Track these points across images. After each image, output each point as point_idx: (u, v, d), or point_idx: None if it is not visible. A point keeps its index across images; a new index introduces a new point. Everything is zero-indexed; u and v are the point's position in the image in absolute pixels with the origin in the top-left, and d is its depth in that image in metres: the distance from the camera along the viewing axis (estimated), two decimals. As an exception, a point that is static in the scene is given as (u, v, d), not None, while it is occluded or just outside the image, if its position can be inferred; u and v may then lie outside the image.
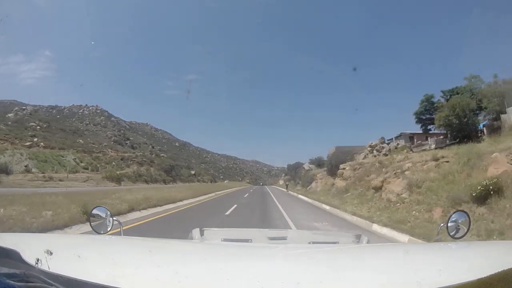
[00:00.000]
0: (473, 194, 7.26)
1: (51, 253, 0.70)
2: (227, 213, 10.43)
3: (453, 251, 1.15)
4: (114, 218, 1.48)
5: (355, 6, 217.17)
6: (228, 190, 35.31)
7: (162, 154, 69.80)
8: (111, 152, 52.36)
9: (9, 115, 68.30)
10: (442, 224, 1.42)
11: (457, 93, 18.98)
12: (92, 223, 1.45)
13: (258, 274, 0.72)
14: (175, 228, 7.29)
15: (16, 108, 76.23)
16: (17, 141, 44.39)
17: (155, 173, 44.61)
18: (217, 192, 26.53)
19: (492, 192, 6.92)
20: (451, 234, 1.37)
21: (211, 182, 67.78)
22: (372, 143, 23.34)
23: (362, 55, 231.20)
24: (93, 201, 10.05)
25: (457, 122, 15.95)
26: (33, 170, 31.02)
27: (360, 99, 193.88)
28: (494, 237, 5.76)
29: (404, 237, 6.17)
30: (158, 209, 11.26)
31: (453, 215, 1.41)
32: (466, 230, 1.37)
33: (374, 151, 22.12)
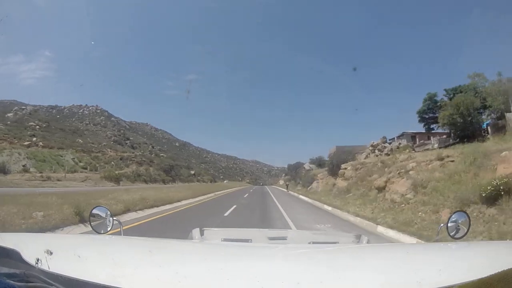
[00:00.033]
0: (483, 195, 6.96)
1: (51, 253, 0.70)
2: (226, 214, 10.13)
3: (453, 251, 1.15)
4: (114, 218, 1.47)
5: (355, 6, 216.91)
6: (228, 190, 35.01)
7: (162, 154, 69.53)
8: (110, 152, 52.07)
9: (9, 114, 68.16)
10: (442, 224, 1.42)
11: (461, 92, 18.70)
12: (92, 223, 1.44)
13: (258, 274, 0.71)
14: (171, 229, 6.99)
15: (16, 107, 76.12)
16: (16, 141, 44.22)
17: (154, 173, 44.30)
18: (217, 192, 26.22)
19: (502, 193, 6.62)
20: (451, 234, 1.37)
21: (211, 182, 67.48)
22: (374, 142, 23.01)
23: (362, 55, 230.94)
24: (87, 201, 9.78)
25: (462, 120, 15.65)
26: (31, 169, 30.76)
27: (360, 99, 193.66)
28: (507, 239, 5.45)
29: (412, 240, 5.85)
30: (155, 210, 10.96)
31: (453, 215, 1.41)
32: (466, 230, 1.37)
33: (376, 151, 21.79)
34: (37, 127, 58.06)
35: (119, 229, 1.52)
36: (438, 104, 19.74)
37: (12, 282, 0.55)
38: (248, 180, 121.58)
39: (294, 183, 40.63)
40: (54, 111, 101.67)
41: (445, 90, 20.21)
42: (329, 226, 7.81)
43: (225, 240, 1.50)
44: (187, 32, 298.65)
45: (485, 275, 0.50)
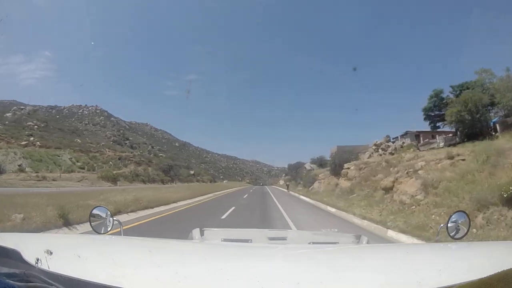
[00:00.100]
0: (504, 195, 6.34)
1: (51, 253, 0.70)
2: (223, 216, 9.53)
3: (453, 251, 1.15)
4: (114, 218, 1.46)
5: (355, 6, 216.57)
6: (228, 190, 34.44)
7: (161, 154, 68.97)
8: (109, 151, 51.51)
9: (7, 114, 67.90)
10: (442, 225, 1.41)
11: (467, 88, 18.05)
12: (92, 223, 1.43)
13: (258, 274, 0.71)
14: (163, 233, 6.40)
15: (15, 107, 75.85)
16: (13, 140, 43.79)
17: (153, 173, 43.66)
18: (216, 193, 25.63)
19: (527, 194, 6.00)
20: (451, 234, 1.36)
21: (210, 182, 66.88)
22: (377, 141, 22.36)
23: (362, 55, 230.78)
24: (76, 202, 9.27)
25: (470, 118, 14.99)
26: (27, 169, 30.22)
27: (360, 99, 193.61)
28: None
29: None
30: (149, 211, 10.36)
31: (453, 216, 1.41)
32: (466, 231, 1.37)
33: (380, 150, 21.16)
34: (35, 127, 57.67)
35: (119, 229, 1.51)
36: (444, 101, 19.07)
37: (12, 282, 0.55)
38: (248, 180, 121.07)
39: (294, 183, 39.94)
40: (54, 111, 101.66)
41: (451, 87, 19.58)
42: (335, 231, 7.19)
43: (225, 240, 1.50)
44: (187, 32, 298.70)
45: (485, 275, 0.50)
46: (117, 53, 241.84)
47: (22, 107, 78.53)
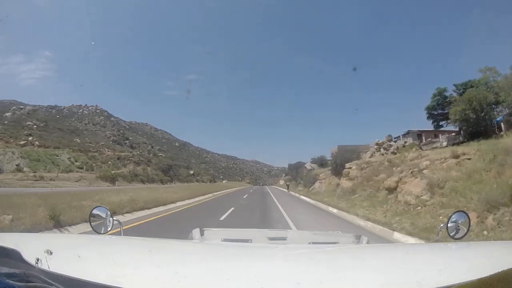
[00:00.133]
0: (517, 196, 6.03)
1: (51, 253, 0.70)
2: (222, 218, 9.21)
3: (453, 251, 1.15)
4: (114, 218, 1.45)
5: (355, 6, 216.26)
6: (227, 190, 34.14)
7: (160, 154, 68.62)
8: (108, 151, 51.19)
9: (6, 114, 67.66)
10: (442, 225, 1.42)
11: (471, 87, 17.74)
12: (92, 223, 1.43)
13: (258, 274, 0.71)
14: (160, 235, 6.09)
15: (14, 107, 75.68)
16: (12, 140, 43.53)
17: (152, 173, 43.31)
18: (215, 193, 25.31)
19: (540, 194, 5.70)
20: (451, 234, 1.36)
21: (210, 182, 66.54)
22: (379, 141, 22.03)
23: (362, 55, 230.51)
24: (70, 203, 8.98)
25: (474, 116, 14.67)
26: (25, 169, 29.91)
27: (360, 99, 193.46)
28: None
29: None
30: (145, 212, 10.05)
31: (453, 216, 1.41)
32: (466, 231, 1.36)
33: (381, 149, 20.83)
34: (35, 126, 57.42)
35: (119, 229, 1.51)
36: (448, 99, 18.74)
37: (12, 282, 0.55)
38: (248, 180, 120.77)
39: (295, 183, 39.59)
40: (54, 111, 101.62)
41: (455, 85, 19.23)
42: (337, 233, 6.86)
43: (225, 240, 1.50)
44: (187, 32, 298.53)
45: (485, 275, 0.50)
46: (117, 53, 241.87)
47: (21, 106, 78.41)
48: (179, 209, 12.17)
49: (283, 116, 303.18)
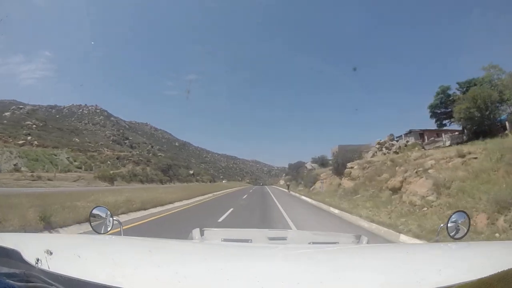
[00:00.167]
0: (529, 196, 5.73)
1: (51, 253, 0.70)
2: (220, 219, 8.91)
3: (453, 251, 1.14)
4: (114, 218, 1.45)
5: (355, 6, 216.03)
6: (227, 190, 33.83)
7: (160, 154, 68.30)
8: (107, 151, 50.88)
9: (6, 114, 67.47)
10: (442, 225, 1.40)
11: (475, 85, 17.42)
12: (92, 223, 1.42)
13: (258, 274, 0.71)
14: (157, 236, 5.80)
15: (13, 107, 75.50)
16: (11, 140, 43.28)
17: (151, 173, 42.96)
18: (215, 193, 25.00)
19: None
20: (451, 234, 1.35)
21: (210, 182, 66.23)
22: (380, 140, 21.69)
23: (362, 55, 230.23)
24: (63, 203, 8.70)
25: (479, 115, 14.35)
26: (23, 169, 29.64)
27: (361, 99, 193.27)
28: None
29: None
30: (141, 213, 9.75)
31: (453, 216, 1.39)
32: (466, 231, 1.35)
33: (383, 149, 20.51)
34: (34, 126, 57.19)
35: (119, 229, 1.50)
36: (451, 98, 18.42)
37: (12, 282, 0.56)
38: (248, 180, 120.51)
39: (295, 183, 39.24)
40: (54, 110, 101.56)
41: (458, 83, 18.91)
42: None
43: (225, 240, 1.49)
44: (187, 32, 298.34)
45: (485, 275, 0.50)
46: (117, 53, 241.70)
47: (21, 106, 78.26)
48: (177, 210, 11.87)
49: (283, 116, 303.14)
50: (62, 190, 17.06)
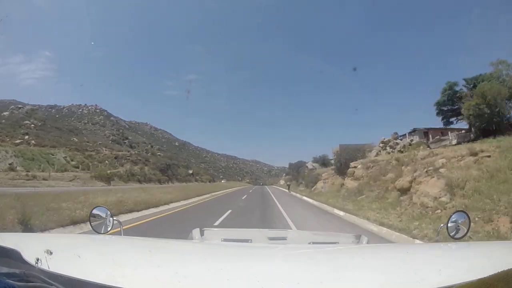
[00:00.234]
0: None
1: (51, 253, 0.70)
2: (216, 223, 8.31)
3: (453, 251, 1.14)
4: (114, 218, 1.44)
5: (355, 6, 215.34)
6: (226, 190, 33.23)
7: (159, 153, 67.70)
8: (105, 150, 50.31)
9: (4, 113, 67.08)
10: (442, 225, 1.39)
11: (482, 81, 16.79)
12: (92, 223, 1.42)
13: (258, 274, 0.71)
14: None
15: (12, 106, 75.13)
16: (8, 139, 42.78)
17: (149, 172, 42.32)
18: (213, 193, 24.40)
19: None
20: (451, 234, 1.34)
21: (209, 182, 65.60)
22: (384, 138, 21.05)
23: (362, 55, 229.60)
24: (48, 204, 8.10)
25: (489, 111, 13.70)
26: (18, 168, 29.05)
27: (361, 99, 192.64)
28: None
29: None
30: (133, 215, 9.16)
31: (453, 216, 1.38)
32: (466, 231, 1.35)
33: (388, 148, 19.89)
34: (32, 125, 56.69)
35: (119, 229, 1.49)
36: (458, 95, 17.78)
37: (12, 282, 0.56)
38: (248, 180, 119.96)
39: (296, 183, 38.60)
40: (53, 110, 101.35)
41: (465, 79, 18.29)
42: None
43: (225, 240, 1.49)
44: (187, 32, 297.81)
45: (485, 275, 0.50)
46: (117, 53, 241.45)
47: (20, 106, 77.89)
48: (173, 211, 11.27)
49: (283, 116, 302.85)
50: (55, 190, 16.46)
